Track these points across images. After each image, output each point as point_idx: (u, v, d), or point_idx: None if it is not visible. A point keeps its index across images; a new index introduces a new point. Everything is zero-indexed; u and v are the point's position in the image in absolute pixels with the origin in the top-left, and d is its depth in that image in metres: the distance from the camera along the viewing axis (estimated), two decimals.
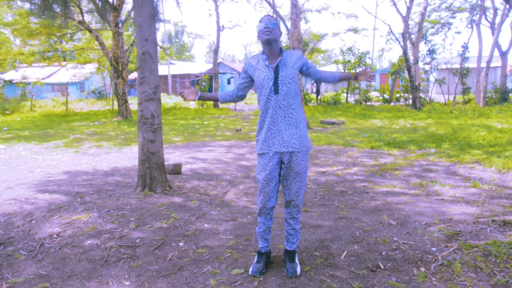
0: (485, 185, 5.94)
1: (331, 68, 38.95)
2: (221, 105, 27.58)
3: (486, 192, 5.59)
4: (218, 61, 29.10)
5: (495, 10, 25.95)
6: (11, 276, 3.32)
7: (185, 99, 3.44)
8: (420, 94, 24.04)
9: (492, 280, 2.99)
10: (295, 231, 3.33)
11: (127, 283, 3.20)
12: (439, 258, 3.34)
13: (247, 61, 3.31)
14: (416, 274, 3.14)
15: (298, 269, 3.25)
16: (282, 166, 3.24)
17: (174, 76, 40.87)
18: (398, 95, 27.57)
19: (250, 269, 3.27)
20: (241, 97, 3.47)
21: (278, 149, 3.13)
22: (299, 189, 3.19)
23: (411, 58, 23.39)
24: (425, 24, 26.25)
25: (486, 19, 27.06)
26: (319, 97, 30.11)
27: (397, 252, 3.51)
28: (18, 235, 4.09)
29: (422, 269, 3.21)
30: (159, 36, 63.13)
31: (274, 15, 25.82)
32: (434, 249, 3.53)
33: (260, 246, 3.38)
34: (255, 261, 3.33)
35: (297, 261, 3.33)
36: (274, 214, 4.90)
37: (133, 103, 26.28)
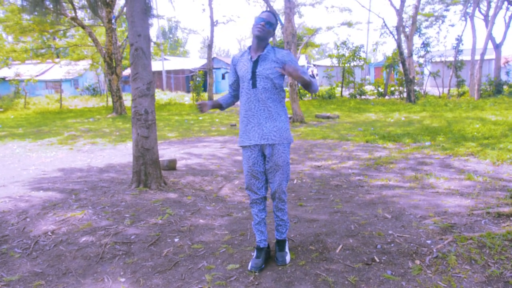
0: (479, 177, 5.97)
1: (326, 62, 38.87)
2: None
3: (481, 184, 5.61)
4: (212, 56, 29.00)
5: (489, 2, 25.99)
6: (6, 274, 3.30)
7: (201, 112, 3.41)
8: (415, 87, 24.07)
9: (486, 272, 3.01)
10: (284, 222, 3.41)
11: (123, 279, 3.20)
12: (434, 250, 3.35)
13: (233, 56, 3.35)
14: (411, 267, 3.15)
15: (288, 258, 3.34)
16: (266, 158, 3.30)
17: (168, 72, 40.70)
18: (392, 88, 27.59)
19: (249, 264, 3.27)
20: (237, 97, 3.47)
21: (258, 142, 3.19)
22: (281, 181, 3.25)
23: (405, 51, 23.40)
24: (419, 17, 26.27)
25: (480, 11, 27.10)
26: None
27: (392, 245, 3.52)
28: (12, 233, 4.07)
29: (417, 261, 3.22)
30: (153, 32, 62.85)
31: (268, 9, 25.72)
32: (429, 241, 3.54)
33: (257, 241, 3.39)
34: (254, 256, 3.34)
35: (287, 249, 3.40)
36: (268, 210, 4.90)
37: (127, 99, 26.17)
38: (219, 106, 3.45)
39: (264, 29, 3.13)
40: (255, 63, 3.17)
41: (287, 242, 3.49)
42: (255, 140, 3.19)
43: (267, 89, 3.16)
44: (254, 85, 3.16)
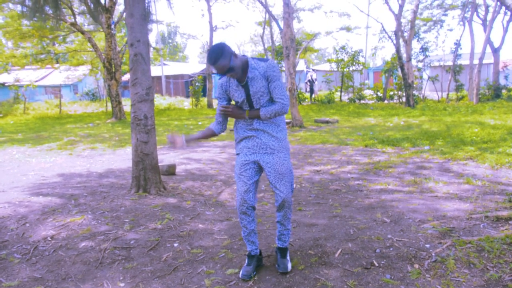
0: (478, 181, 5.98)
1: (325, 67, 38.95)
2: (215, 106, 27.55)
3: (479, 188, 5.62)
4: None
5: (487, 7, 26.09)
6: (5, 279, 3.30)
7: (174, 148, 3.35)
8: (414, 92, 24.11)
9: (485, 276, 3.02)
10: (288, 231, 3.37)
11: (122, 284, 3.20)
12: (433, 254, 3.36)
13: (220, 82, 3.23)
14: (410, 271, 3.15)
15: (289, 265, 3.31)
16: (263, 169, 3.26)
17: (167, 77, 40.75)
18: (391, 93, 27.65)
19: (240, 273, 3.26)
20: (225, 125, 3.37)
21: (257, 151, 3.18)
22: (288, 191, 3.20)
23: (404, 56, 23.45)
24: (417, 21, 26.37)
25: (478, 16, 27.20)
26: (313, 96, 30.13)
27: (391, 249, 3.53)
28: (12, 239, 4.07)
29: (416, 266, 3.23)
30: (152, 37, 62.96)
31: (267, 15, 25.82)
32: (427, 245, 3.55)
33: (249, 249, 3.36)
34: (245, 264, 3.33)
35: (288, 257, 3.37)
36: (268, 214, 4.92)
37: (127, 105, 26.15)
38: (207, 135, 3.36)
39: (231, 70, 2.98)
40: (246, 86, 3.10)
41: (288, 250, 3.47)
42: (254, 149, 3.18)
43: (264, 105, 3.14)
44: (251, 106, 3.15)
